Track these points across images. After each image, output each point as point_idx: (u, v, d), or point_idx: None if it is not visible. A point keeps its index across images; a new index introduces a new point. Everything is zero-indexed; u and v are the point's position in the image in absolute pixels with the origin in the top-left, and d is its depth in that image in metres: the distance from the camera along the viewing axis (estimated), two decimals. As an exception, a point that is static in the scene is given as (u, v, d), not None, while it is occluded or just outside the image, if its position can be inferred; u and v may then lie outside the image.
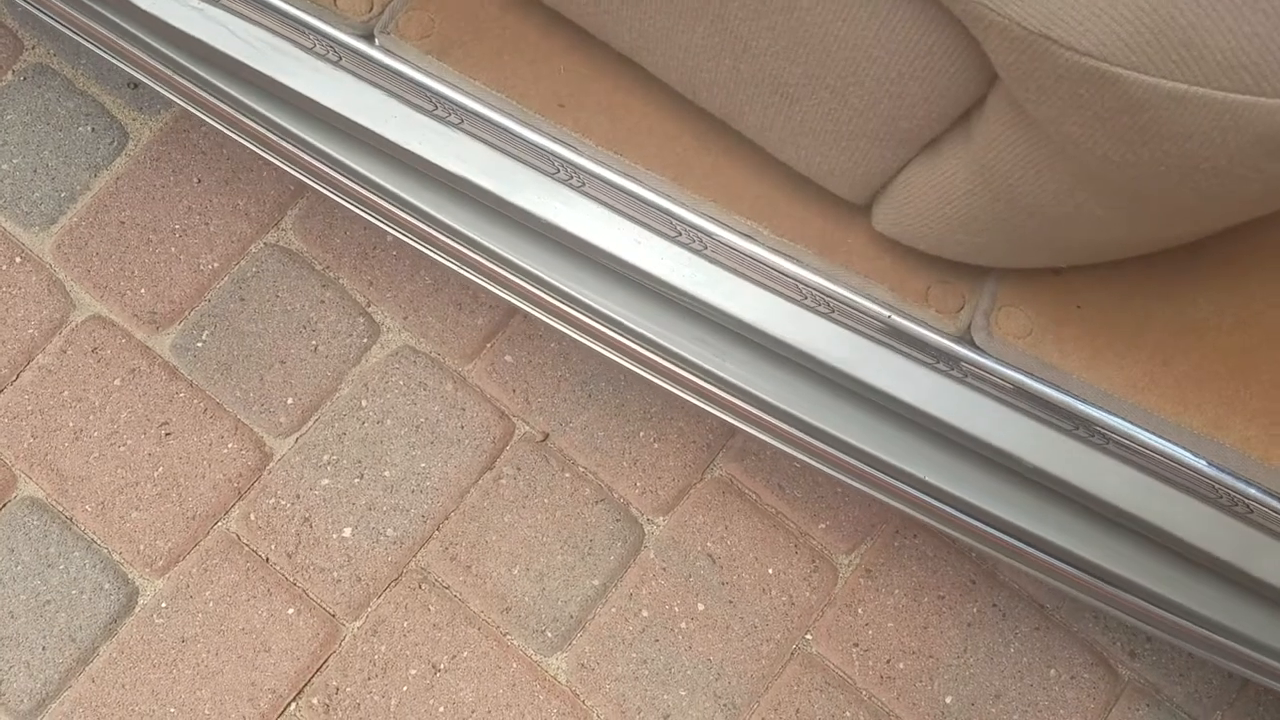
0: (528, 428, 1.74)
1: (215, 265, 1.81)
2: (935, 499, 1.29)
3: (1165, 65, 0.81)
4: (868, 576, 1.68)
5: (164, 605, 1.65)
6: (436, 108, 1.27)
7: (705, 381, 1.34)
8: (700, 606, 1.67)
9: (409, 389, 1.74)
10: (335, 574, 1.67)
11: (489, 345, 1.77)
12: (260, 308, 1.78)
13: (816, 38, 1.00)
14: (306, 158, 1.39)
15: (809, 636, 1.66)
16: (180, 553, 1.68)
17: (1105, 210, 0.98)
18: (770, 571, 1.68)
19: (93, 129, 1.89)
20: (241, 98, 1.39)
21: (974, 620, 1.66)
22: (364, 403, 1.74)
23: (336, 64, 1.29)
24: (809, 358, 1.23)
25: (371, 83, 1.29)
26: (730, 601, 1.67)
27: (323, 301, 1.78)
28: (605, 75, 1.27)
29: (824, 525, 1.70)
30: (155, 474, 1.71)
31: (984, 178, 1.03)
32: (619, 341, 1.35)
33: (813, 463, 1.34)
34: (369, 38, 1.28)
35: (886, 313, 1.19)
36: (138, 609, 1.64)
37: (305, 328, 1.78)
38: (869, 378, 1.21)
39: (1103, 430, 1.17)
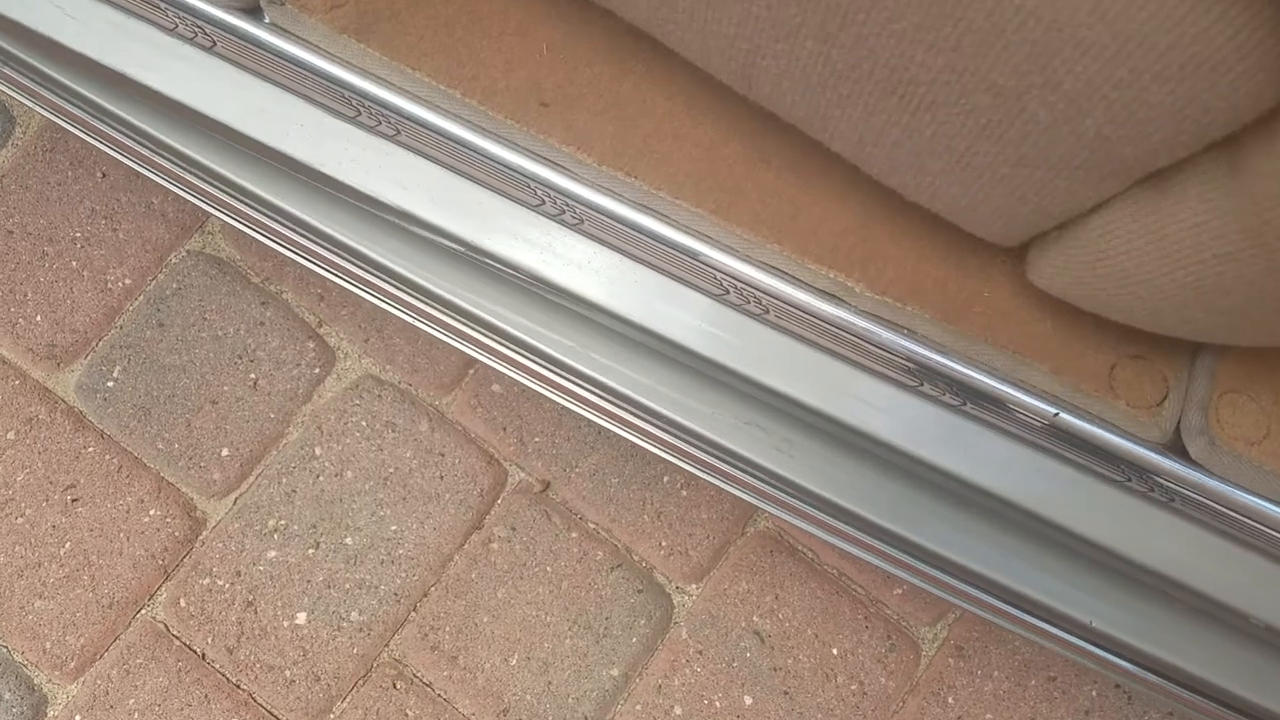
0: (523, 475, 1.36)
1: (127, 282, 1.43)
2: (1101, 648, 0.84)
3: None
4: (958, 655, 1.24)
5: (78, 718, 1.29)
6: (361, 112, 0.80)
7: (762, 480, 0.88)
8: (748, 700, 1.31)
9: (374, 431, 1.33)
10: (288, 672, 1.31)
11: (471, 371, 1.33)
12: (184, 334, 1.38)
13: (977, 14, 0.52)
14: (195, 179, 0.91)
15: (887, 734, 1.24)
16: (96, 650, 1.33)
17: None
18: (835, 652, 1.32)
19: (-32, 115, 1.44)
20: (98, 100, 0.91)
21: (1093, 707, 1.25)
22: (318, 450, 1.32)
23: (210, 50, 0.81)
24: (931, 468, 0.77)
25: (263, 76, 0.81)
26: (785, 692, 1.31)
27: (262, 323, 1.34)
28: (608, 56, 0.79)
29: (900, 590, 1.27)
30: (61, 551, 1.35)
31: (1260, 239, 0.56)
32: (641, 427, 0.89)
33: (924, 587, 0.88)
34: (254, 12, 0.79)
35: (1051, 408, 0.73)
36: (47, 723, 1.32)
37: (242, 357, 1.39)
38: (1027, 501, 0.75)
39: (1381, 580, 0.71)
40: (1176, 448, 0.76)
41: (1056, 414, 0.75)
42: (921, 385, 0.78)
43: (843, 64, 0.64)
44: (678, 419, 0.89)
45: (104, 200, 1.45)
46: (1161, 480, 0.75)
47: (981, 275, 0.78)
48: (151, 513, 1.36)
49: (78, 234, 1.44)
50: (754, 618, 1.32)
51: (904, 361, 0.77)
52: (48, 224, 1.44)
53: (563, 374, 0.91)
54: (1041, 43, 0.55)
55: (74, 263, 1.43)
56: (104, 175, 1.46)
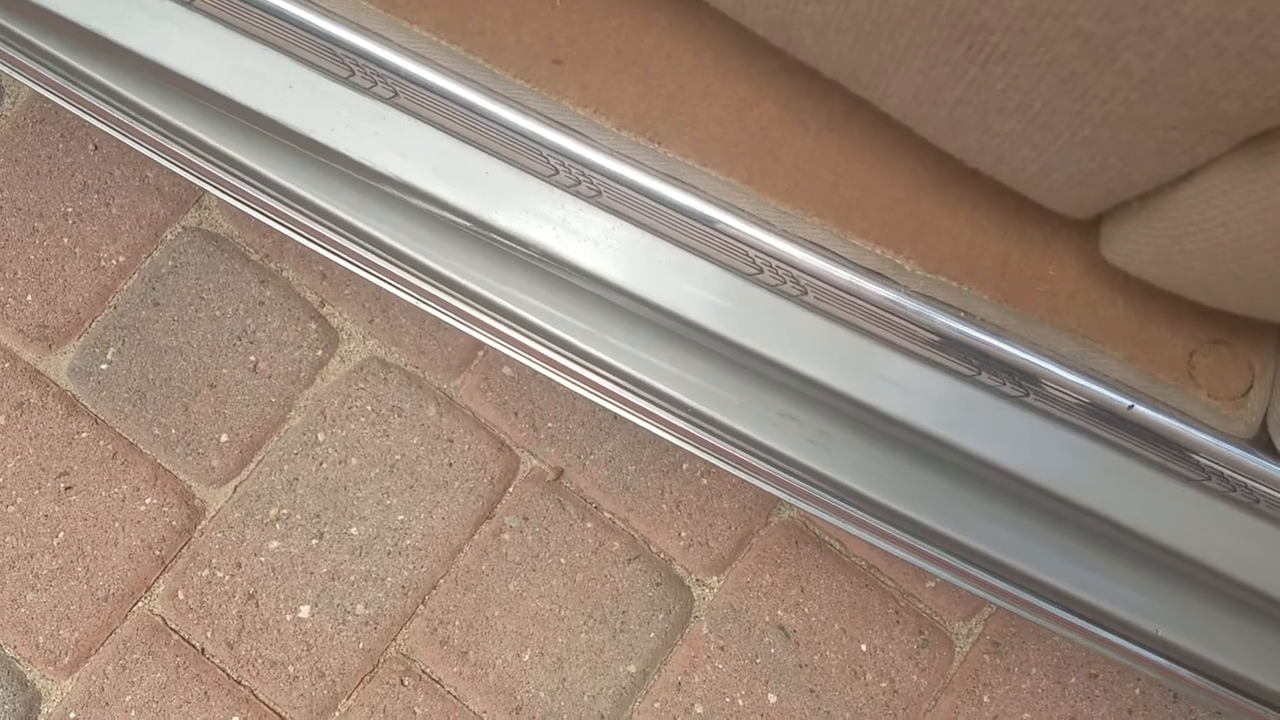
0: (536, 462, 1.29)
1: (121, 259, 1.36)
2: (1166, 657, 0.75)
3: None
4: (994, 651, 1.17)
5: (73, 716, 1.24)
6: (355, 72, 0.71)
7: (795, 475, 0.79)
8: (772, 698, 1.23)
9: (379, 416, 1.27)
10: (291, 668, 1.25)
11: (481, 353, 1.25)
12: (181, 314, 1.31)
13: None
14: (183, 151, 0.82)
15: (919, 735, 1.18)
16: (91, 645, 1.26)
17: None
18: (864, 648, 1.24)
19: (-46, 85, 1.36)
20: (75, 64, 0.82)
21: (1136, 705, 1.18)
22: (321, 436, 1.26)
23: (189, 5, 0.71)
24: (991, 466, 0.68)
25: (247, 33, 0.72)
26: (812, 690, 1.23)
27: (262, 303, 1.28)
28: (628, 7, 0.70)
29: (933, 583, 1.19)
30: (54, 542, 1.28)
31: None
32: (664, 418, 0.80)
33: (977, 592, 0.80)
34: (237, -40, 0.70)
35: (1126, 400, 0.63)
36: (40, 720, 1.24)
37: (241, 338, 1.32)
38: (1097, 503, 0.66)
39: None
40: (1262, 443, 0.67)
41: (1132, 406, 0.66)
42: (979, 374, 0.69)
43: (901, 8, 0.55)
44: (704, 409, 0.80)
45: (96, 174, 1.37)
46: (1245, 479, 0.67)
47: (1046, 251, 0.69)
48: (148, 501, 1.28)
49: (69, 209, 1.36)
50: (778, 612, 1.24)
51: (959, 345, 0.68)
52: (38, 199, 1.36)
53: (578, 360, 0.83)
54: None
55: (66, 239, 1.34)
56: (96, 148, 1.37)
